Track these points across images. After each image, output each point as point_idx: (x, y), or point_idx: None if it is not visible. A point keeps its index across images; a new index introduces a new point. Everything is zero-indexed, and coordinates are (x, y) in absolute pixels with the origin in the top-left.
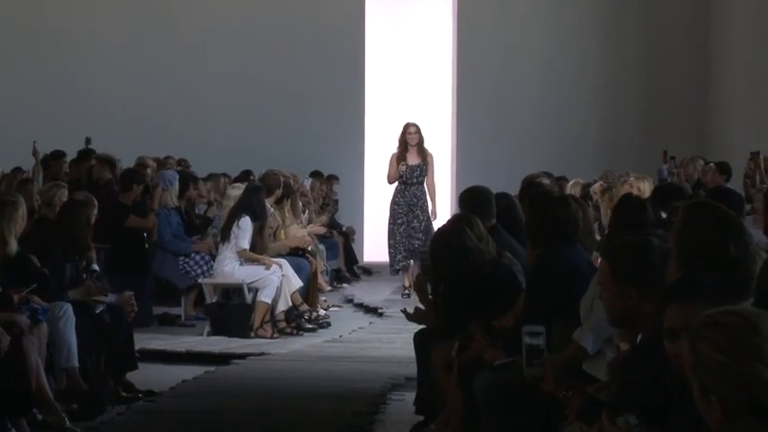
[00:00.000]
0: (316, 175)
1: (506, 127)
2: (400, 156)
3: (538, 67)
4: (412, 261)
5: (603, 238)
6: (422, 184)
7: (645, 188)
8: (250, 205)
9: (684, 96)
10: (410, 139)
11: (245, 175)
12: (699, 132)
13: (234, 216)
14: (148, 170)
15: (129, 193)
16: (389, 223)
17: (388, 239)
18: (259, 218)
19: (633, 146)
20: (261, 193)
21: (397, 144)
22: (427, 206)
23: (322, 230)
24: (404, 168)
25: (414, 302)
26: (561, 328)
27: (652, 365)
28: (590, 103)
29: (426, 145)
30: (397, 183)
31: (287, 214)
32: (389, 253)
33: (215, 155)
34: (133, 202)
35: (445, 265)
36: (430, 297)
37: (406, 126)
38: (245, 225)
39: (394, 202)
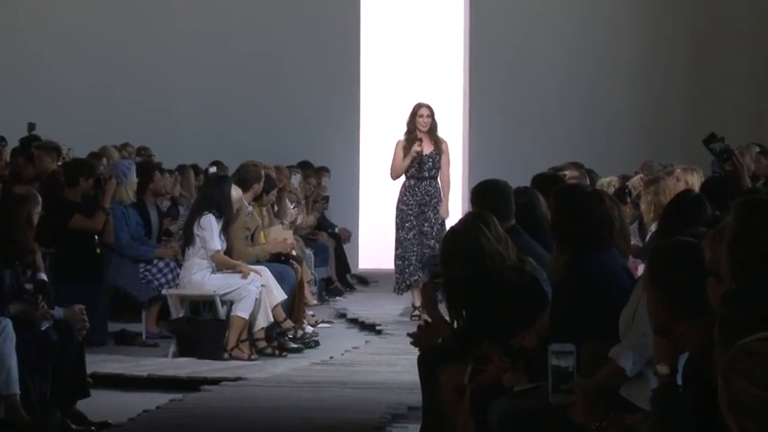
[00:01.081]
0: (305, 166)
1: (527, 111)
2: (409, 144)
3: (563, 40)
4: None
5: (649, 241)
6: (435, 178)
7: (694, 182)
8: (212, 199)
9: (739, 72)
10: (421, 124)
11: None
12: (758, 115)
13: (195, 214)
14: (104, 160)
15: (75, 189)
16: (397, 229)
17: (396, 249)
18: (225, 214)
19: (678, 132)
20: (225, 185)
21: (405, 129)
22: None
23: (289, 242)
24: (417, 150)
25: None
26: (594, 347)
27: (696, 394)
28: (625, 81)
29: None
30: (404, 178)
31: (264, 213)
32: (396, 266)
33: (183, 142)
34: (82, 199)
35: (458, 271)
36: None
37: (417, 107)
38: (209, 224)
39: (401, 202)
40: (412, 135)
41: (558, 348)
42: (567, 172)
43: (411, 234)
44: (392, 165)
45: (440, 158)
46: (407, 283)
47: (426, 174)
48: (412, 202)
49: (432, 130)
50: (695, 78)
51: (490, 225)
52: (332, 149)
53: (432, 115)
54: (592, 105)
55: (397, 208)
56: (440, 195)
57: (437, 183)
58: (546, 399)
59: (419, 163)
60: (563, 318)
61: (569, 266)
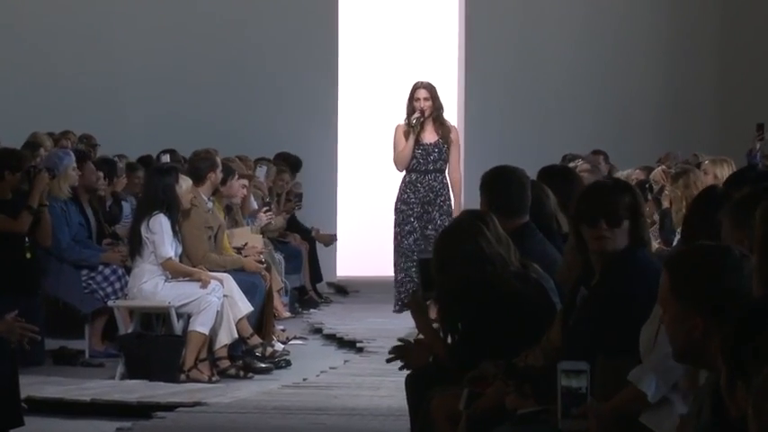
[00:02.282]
0: (284, 159)
1: (531, 96)
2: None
3: (576, 14)
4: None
5: (678, 243)
6: (441, 171)
7: (724, 175)
8: (156, 196)
9: None
10: (420, 108)
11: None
12: None
13: (142, 214)
14: (41, 150)
15: (1, 184)
16: (396, 234)
17: (395, 257)
18: (172, 212)
19: (705, 119)
20: (169, 178)
21: (405, 112)
22: (450, 204)
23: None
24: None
25: None
26: (609, 365)
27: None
28: (646, 61)
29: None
30: (404, 172)
31: (223, 210)
32: (396, 279)
33: (131, 129)
34: (13, 195)
35: (454, 277)
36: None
37: (414, 88)
38: (159, 226)
39: (401, 201)
40: (410, 122)
41: (569, 367)
42: (576, 162)
43: (411, 239)
44: (395, 153)
45: (447, 148)
46: (405, 302)
47: (431, 166)
48: (413, 200)
49: (435, 115)
50: (725, 58)
51: (490, 225)
52: (305, 138)
53: (432, 98)
54: (606, 89)
55: (396, 208)
56: (447, 192)
57: (444, 177)
58: (555, 424)
59: (423, 154)
60: (582, 331)
61: (617, 260)
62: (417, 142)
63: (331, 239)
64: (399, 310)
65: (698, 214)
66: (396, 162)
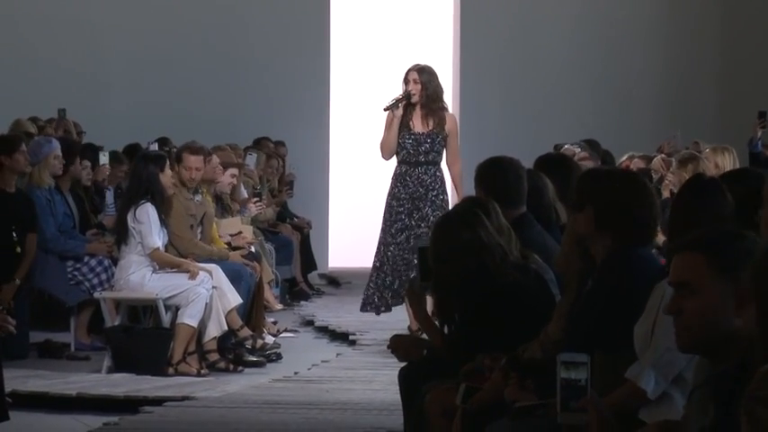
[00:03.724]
0: (262, 142)
1: (528, 84)
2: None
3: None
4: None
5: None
6: (435, 164)
7: (725, 164)
8: (139, 183)
9: None
10: (411, 92)
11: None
12: None
13: (129, 203)
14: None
15: (1, 172)
16: (383, 230)
17: (376, 255)
18: (156, 200)
19: (707, 107)
20: (153, 166)
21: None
22: (444, 200)
23: (245, 241)
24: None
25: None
26: (611, 357)
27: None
28: (645, 48)
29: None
30: (395, 162)
31: (210, 199)
32: (371, 277)
33: (116, 118)
34: (16, 190)
35: (451, 268)
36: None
37: (407, 72)
38: (146, 215)
39: (391, 195)
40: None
41: (569, 359)
42: (569, 146)
43: (402, 237)
44: (382, 139)
45: (442, 139)
46: (386, 300)
47: (422, 158)
48: (403, 195)
49: (430, 100)
50: (726, 45)
51: (491, 214)
52: (296, 128)
53: (423, 81)
54: (606, 77)
55: (387, 204)
56: (440, 186)
57: (437, 170)
58: (554, 418)
59: (413, 144)
60: (584, 324)
61: (616, 257)
62: (408, 130)
63: (304, 225)
64: (377, 310)
65: (686, 201)
66: (380, 147)
